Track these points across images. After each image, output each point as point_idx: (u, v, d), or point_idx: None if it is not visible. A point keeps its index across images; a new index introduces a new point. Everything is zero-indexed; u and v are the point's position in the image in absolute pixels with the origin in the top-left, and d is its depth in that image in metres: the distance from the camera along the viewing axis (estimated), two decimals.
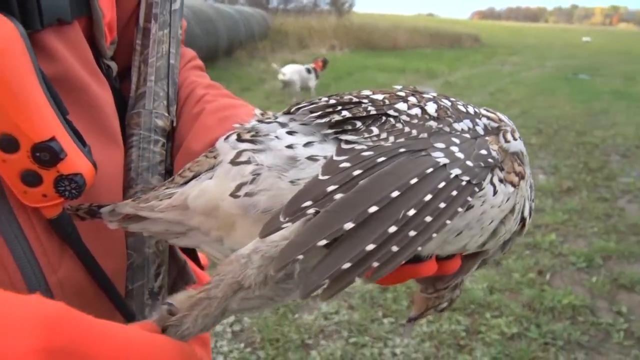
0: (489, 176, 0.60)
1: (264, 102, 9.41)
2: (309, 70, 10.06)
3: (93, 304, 0.64)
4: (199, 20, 13.60)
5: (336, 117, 0.61)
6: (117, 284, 0.75)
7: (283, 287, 0.56)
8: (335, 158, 0.55)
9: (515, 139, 0.65)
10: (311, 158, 0.58)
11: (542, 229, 4.89)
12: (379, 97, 0.64)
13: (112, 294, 0.74)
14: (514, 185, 0.63)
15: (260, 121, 0.65)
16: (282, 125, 0.63)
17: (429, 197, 0.50)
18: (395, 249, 0.47)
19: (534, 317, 3.54)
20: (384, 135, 0.59)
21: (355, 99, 0.63)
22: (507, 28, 65.38)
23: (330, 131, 0.61)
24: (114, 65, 0.82)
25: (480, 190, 0.57)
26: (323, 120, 0.61)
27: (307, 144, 0.59)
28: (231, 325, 3.45)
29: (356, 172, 0.51)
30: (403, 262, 0.48)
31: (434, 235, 0.49)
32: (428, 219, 0.49)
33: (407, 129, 0.59)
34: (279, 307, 3.63)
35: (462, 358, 3.13)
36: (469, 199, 0.53)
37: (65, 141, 0.64)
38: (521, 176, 0.64)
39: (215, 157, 0.66)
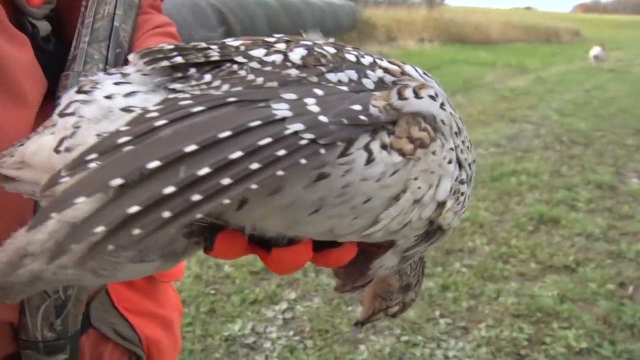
0: (365, 139, 0.49)
1: None
2: (602, 49, 15.34)
3: None
4: (287, 12, 13.79)
5: (163, 63, 0.53)
6: None
7: (111, 259, 0.49)
8: (150, 109, 0.47)
9: (419, 97, 0.53)
10: (126, 109, 0.51)
11: (628, 237, 4.46)
12: (236, 43, 0.56)
13: None
14: (404, 155, 0.51)
15: (106, 71, 0.58)
16: (123, 75, 0.56)
17: (236, 154, 0.41)
18: (167, 214, 0.38)
19: (609, 332, 3.22)
20: (217, 83, 0.51)
21: (203, 46, 0.56)
22: (612, 22, 61.03)
23: (163, 79, 0.53)
24: (42, 26, 0.76)
25: (342, 154, 0.47)
26: (151, 67, 0.54)
27: (129, 94, 0.52)
28: (283, 312, 3.42)
29: (159, 123, 0.43)
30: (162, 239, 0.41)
31: (226, 201, 0.39)
32: (226, 181, 0.39)
33: (251, 77, 0.51)
34: (333, 298, 3.56)
35: None
36: (302, 161, 0.43)
37: None
38: (420, 144, 0.52)
39: None
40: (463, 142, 0.59)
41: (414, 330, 3.21)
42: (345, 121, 0.46)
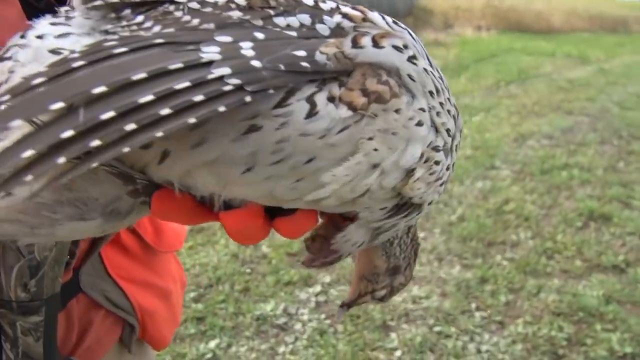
0: (310, 90, 0.44)
1: None
2: None
3: None
4: None
5: (97, 2, 0.51)
6: None
7: (48, 215, 0.47)
8: (76, 50, 0.44)
9: (379, 46, 0.47)
10: (54, 51, 0.48)
11: None
12: None
13: None
14: (354, 109, 0.45)
15: (54, 15, 0.56)
16: (67, 18, 0.54)
17: (147, 98, 0.37)
18: (61, 160, 0.35)
19: None
20: (148, 24, 0.48)
21: None
22: None
23: (100, 21, 0.51)
24: None
25: (278, 105, 0.43)
26: (86, 7, 0.52)
27: (60, 36, 0.50)
28: (316, 295, 3.41)
29: (77, 64, 0.40)
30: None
31: (126, 149, 0.36)
32: (130, 127, 0.36)
33: (186, 18, 0.47)
34: None
35: None
36: (221, 109, 0.39)
37: None
38: (377, 98, 0.46)
39: None
40: (442, 104, 0.53)
41: (448, 322, 3.13)
42: (282, 67, 0.42)
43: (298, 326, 3.13)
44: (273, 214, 0.53)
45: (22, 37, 0.54)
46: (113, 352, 0.91)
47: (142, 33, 0.48)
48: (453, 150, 0.56)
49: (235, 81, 0.40)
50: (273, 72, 0.42)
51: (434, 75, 0.53)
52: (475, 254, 3.87)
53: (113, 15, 0.52)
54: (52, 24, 0.53)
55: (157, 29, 0.48)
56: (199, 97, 0.39)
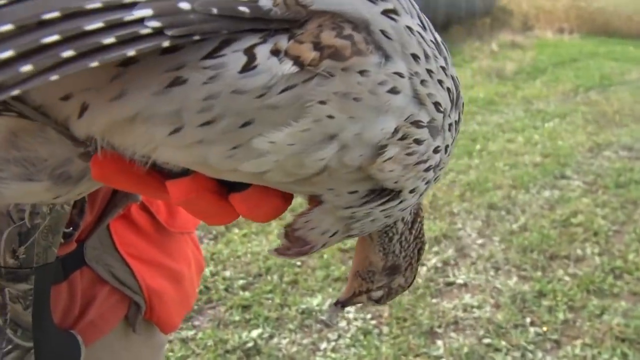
0: (250, 41, 0.38)
1: (469, 80, 8.99)
2: None
3: None
4: None
5: None
6: None
7: None
8: None
9: None
10: None
11: None
12: None
13: None
14: (301, 65, 0.38)
15: None
16: None
17: (51, 38, 0.33)
18: None
19: None
20: None
21: None
22: None
23: None
24: None
25: (208, 55, 0.37)
26: None
27: None
28: None
29: None
30: None
31: (15, 92, 0.32)
32: (26, 68, 0.32)
33: None
34: (418, 287, 3.41)
35: None
36: (130, 53, 0.34)
37: None
38: (332, 54, 0.39)
39: None
40: (430, 72, 0.45)
41: (498, 334, 2.99)
42: (214, 11, 0.36)
43: (343, 324, 3.08)
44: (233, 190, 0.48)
45: None
46: (118, 330, 0.89)
47: None
48: (445, 130, 0.48)
49: (155, 24, 0.35)
50: (203, 15, 0.36)
51: (422, 38, 0.44)
52: (535, 266, 3.67)
53: None
54: None
55: None
56: (109, 40, 0.34)
